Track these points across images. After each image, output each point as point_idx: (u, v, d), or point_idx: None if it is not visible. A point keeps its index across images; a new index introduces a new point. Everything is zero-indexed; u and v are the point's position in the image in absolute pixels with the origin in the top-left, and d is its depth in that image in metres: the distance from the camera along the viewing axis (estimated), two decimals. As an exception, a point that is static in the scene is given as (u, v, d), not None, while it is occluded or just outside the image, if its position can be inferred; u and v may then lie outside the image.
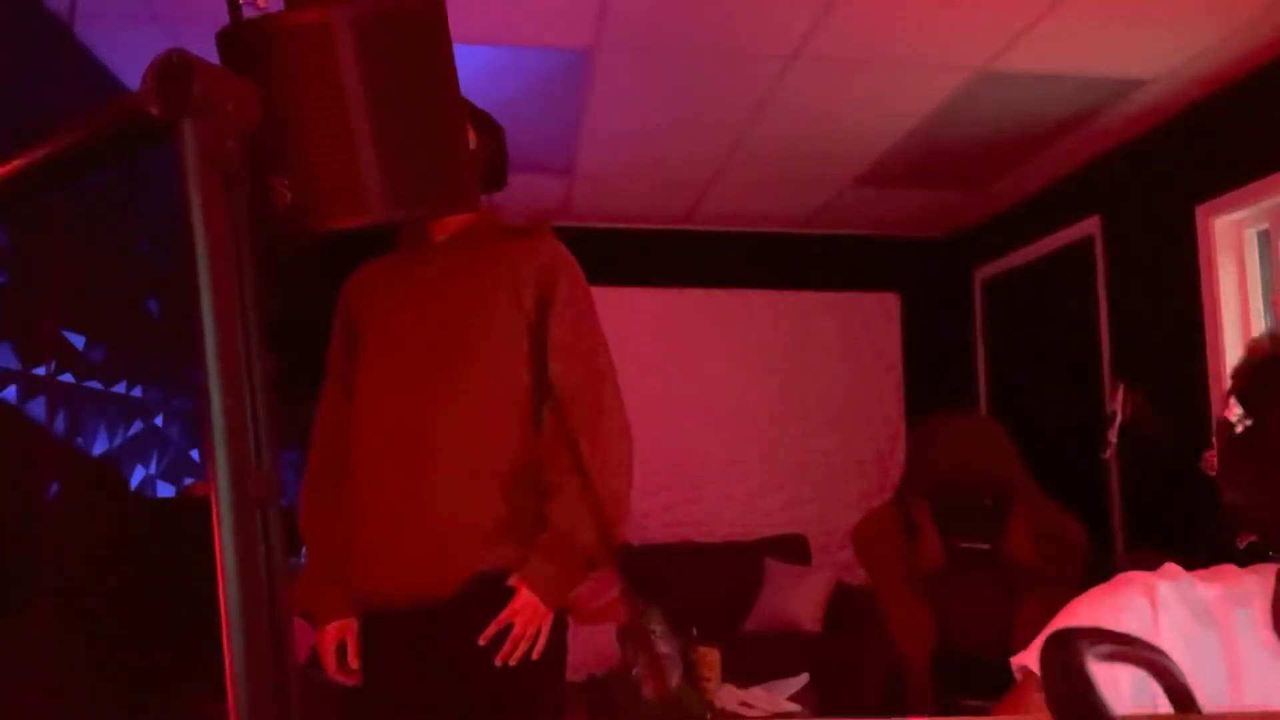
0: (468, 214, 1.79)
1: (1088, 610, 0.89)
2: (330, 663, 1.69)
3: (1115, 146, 3.91)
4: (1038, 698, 0.89)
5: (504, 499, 1.65)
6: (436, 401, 1.68)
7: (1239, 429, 0.86)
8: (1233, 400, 0.87)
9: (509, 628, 1.60)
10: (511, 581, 1.63)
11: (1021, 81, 3.26)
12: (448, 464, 1.65)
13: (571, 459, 1.68)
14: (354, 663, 1.69)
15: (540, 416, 1.73)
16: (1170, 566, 0.91)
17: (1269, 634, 0.83)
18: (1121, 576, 0.90)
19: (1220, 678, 0.83)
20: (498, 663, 1.60)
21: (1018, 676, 0.94)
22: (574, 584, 1.68)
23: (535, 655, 1.62)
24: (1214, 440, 0.90)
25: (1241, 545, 0.87)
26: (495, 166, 1.83)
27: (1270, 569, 0.87)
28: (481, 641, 1.60)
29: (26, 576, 2.30)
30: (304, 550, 1.81)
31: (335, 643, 1.69)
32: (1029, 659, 0.92)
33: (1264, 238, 3.32)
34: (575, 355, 1.73)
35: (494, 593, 1.62)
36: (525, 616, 1.61)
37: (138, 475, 3.14)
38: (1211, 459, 0.94)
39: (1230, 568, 0.90)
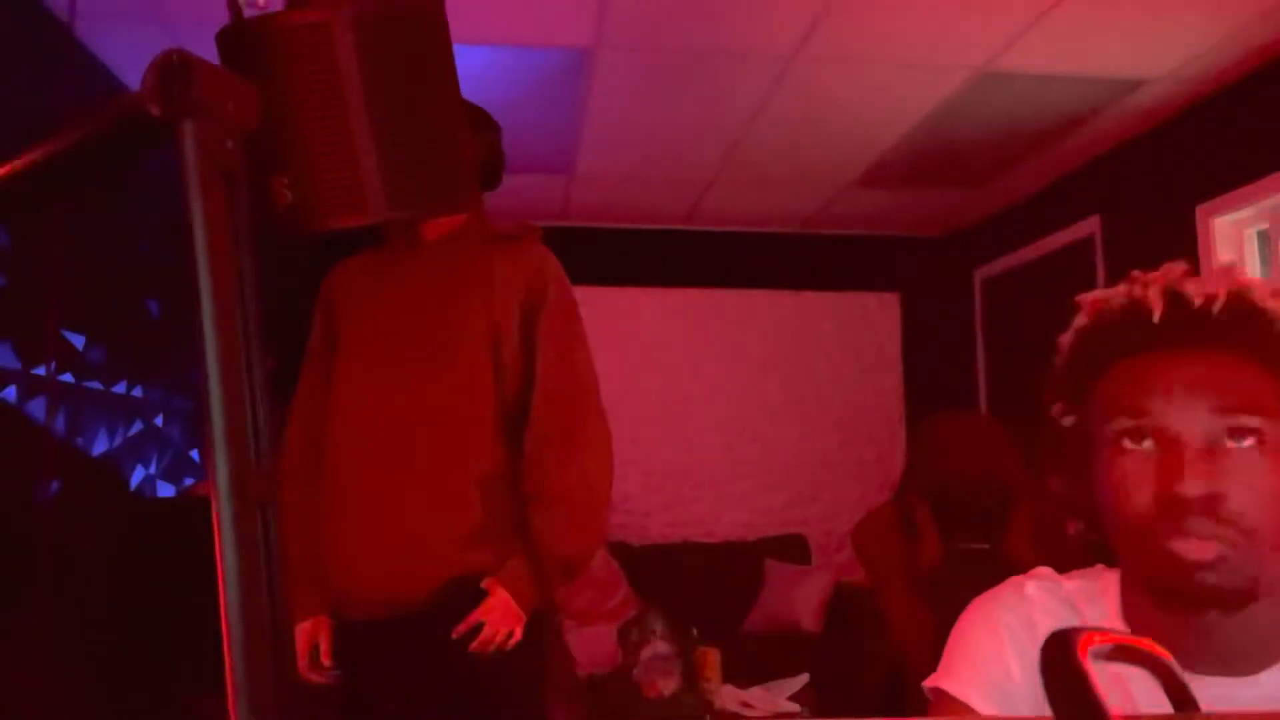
0: (459, 215, 1.77)
1: (978, 613, 0.96)
2: (301, 662, 1.69)
3: (1115, 146, 3.90)
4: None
5: (480, 504, 1.65)
6: (413, 406, 1.67)
7: (1065, 423, 0.92)
8: (1054, 398, 0.94)
9: (480, 627, 1.60)
10: (485, 583, 1.63)
11: (1021, 81, 3.26)
12: (423, 469, 1.64)
13: (553, 467, 1.69)
14: (326, 660, 1.69)
15: (521, 425, 1.72)
16: (1041, 569, 0.98)
17: (1121, 625, 0.89)
18: (1006, 581, 0.97)
19: None
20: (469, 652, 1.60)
21: (930, 698, 0.95)
22: (550, 590, 1.68)
23: (508, 655, 1.62)
24: (1040, 436, 0.96)
25: (1071, 532, 0.94)
26: (489, 166, 1.80)
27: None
28: (454, 635, 1.60)
29: (26, 576, 2.31)
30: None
31: (308, 641, 1.69)
32: (942, 680, 0.93)
33: (1264, 238, 3.32)
34: (558, 368, 1.73)
35: (470, 599, 1.62)
36: (496, 616, 1.61)
37: (138, 475, 3.14)
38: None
39: (1099, 567, 0.95)
